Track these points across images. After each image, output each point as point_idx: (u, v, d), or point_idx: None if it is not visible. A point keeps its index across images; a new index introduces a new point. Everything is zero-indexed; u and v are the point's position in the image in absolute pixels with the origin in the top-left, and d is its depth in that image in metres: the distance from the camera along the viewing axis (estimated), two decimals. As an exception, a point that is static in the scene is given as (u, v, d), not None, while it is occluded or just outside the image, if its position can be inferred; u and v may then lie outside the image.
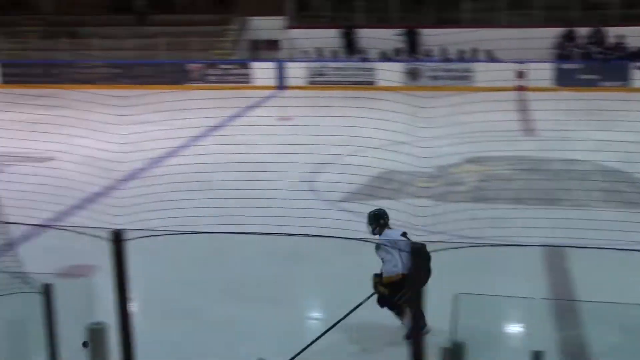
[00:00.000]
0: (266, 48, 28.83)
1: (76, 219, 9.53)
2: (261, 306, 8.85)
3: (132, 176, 13.62)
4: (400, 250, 7.67)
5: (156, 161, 14.43)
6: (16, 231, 6.36)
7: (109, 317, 5.36)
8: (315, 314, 9.39)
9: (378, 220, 8.14)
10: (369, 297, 7.71)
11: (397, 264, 7.70)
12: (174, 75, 27.32)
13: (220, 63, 27.78)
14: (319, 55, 27.17)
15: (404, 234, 8.09)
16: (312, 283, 10.11)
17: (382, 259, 7.80)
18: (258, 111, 21.48)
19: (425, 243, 6.67)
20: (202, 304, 9.41)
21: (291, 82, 26.56)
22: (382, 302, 8.00)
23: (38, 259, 6.57)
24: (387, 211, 8.10)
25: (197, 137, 16.25)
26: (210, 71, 27.55)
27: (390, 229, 8.22)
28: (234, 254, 10.05)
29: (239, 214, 7.98)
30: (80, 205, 10.03)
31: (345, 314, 7.03)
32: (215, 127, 17.70)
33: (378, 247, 7.76)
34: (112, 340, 5.31)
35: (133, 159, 12.24)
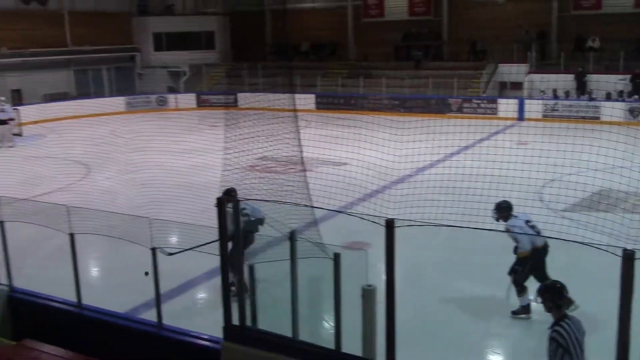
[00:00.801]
0: (511, 88, 27.84)
1: (360, 208, 9.81)
2: (488, 287, 8.56)
3: (402, 180, 13.79)
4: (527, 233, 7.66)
5: (420, 170, 14.48)
6: (319, 213, 6.68)
7: (378, 281, 5.45)
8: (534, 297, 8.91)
9: (509, 210, 7.98)
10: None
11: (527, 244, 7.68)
12: (438, 107, 27.26)
13: (474, 99, 27.25)
14: (554, 94, 25.67)
15: (528, 221, 7.90)
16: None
17: (515, 239, 7.74)
18: (500, 136, 20.74)
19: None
20: (447, 279, 9.29)
21: (529, 115, 25.35)
22: (515, 278, 7.84)
23: (331, 234, 6.84)
24: (604, 222, 7.50)
25: (452, 154, 16.06)
26: (466, 105, 27.11)
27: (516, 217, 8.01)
28: (474, 244, 9.81)
29: (479, 214, 7.76)
30: (363, 199, 10.32)
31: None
32: (467, 147, 17.38)
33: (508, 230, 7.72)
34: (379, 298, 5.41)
35: (404, 168, 12.37)
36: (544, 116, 25.24)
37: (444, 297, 8.78)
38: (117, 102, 31.44)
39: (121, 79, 33.99)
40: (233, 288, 6.40)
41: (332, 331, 5.55)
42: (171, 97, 32.74)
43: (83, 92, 32.11)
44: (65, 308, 7.45)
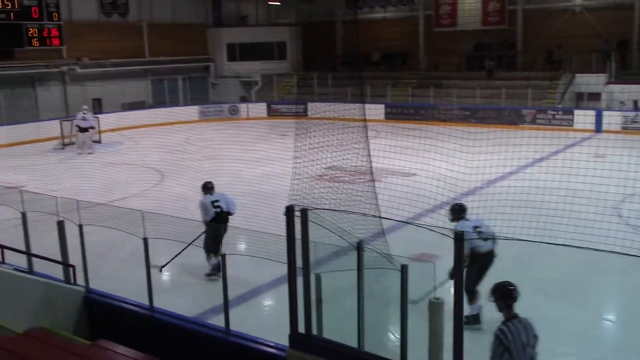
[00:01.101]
0: (588, 99, 26.92)
1: (428, 219, 9.69)
2: (562, 304, 8.27)
3: (472, 192, 13.54)
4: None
5: (491, 182, 14.18)
6: (386, 223, 6.64)
7: (446, 294, 5.37)
8: (610, 317, 8.55)
9: (460, 213, 8.13)
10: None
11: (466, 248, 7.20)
12: (511, 118, 26.66)
13: (549, 110, 26.49)
14: (635, 105, 24.65)
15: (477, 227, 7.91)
16: (609, 291, 9.22)
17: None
18: (576, 149, 20.05)
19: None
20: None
21: (607, 127, 24.38)
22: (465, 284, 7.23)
23: (399, 245, 6.79)
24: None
25: (525, 166, 15.66)
26: (540, 116, 26.39)
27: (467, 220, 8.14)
28: (547, 259, 9.52)
29: (553, 229, 7.52)
30: (432, 210, 10.19)
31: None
32: (541, 159, 16.91)
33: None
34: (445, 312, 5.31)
35: (474, 180, 12.15)
36: (623, 128, 24.26)
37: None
38: (191, 111, 32.31)
39: (195, 89, 34.93)
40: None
41: (398, 343, 5.50)
42: (243, 107, 33.38)
43: (159, 101, 33.20)
44: (137, 310, 7.68)
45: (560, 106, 26.69)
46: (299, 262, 6.08)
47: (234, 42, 35.40)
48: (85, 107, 24.58)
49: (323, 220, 6.04)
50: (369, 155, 7.22)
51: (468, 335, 6.50)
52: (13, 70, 27.23)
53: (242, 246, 8.47)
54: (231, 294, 7.04)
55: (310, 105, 30.25)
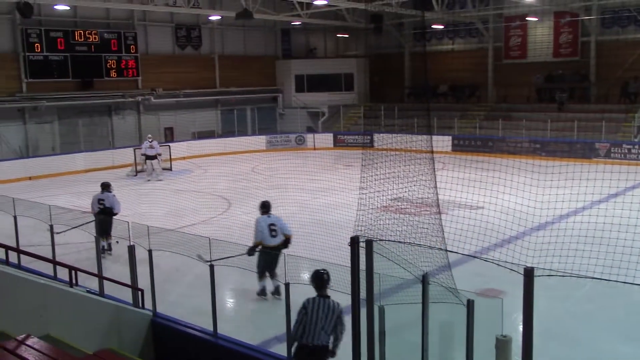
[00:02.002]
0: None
1: (496, 254, 9.46)
2: (636, 346, 7.87)
3: (542, 227, 13.15)
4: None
5: (563, 217, 13.75)
6: (452, 257, 6.52)
7: (513, 332, 5.20)
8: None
9: (265, 208, 10.56)
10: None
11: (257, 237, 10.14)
12: (583, 151, 25.87)
13: (624, 143, 25.57)
14: None
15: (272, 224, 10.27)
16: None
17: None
18: (655, 184, 19.24)
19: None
20: (590, 335, 8.68)
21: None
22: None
23: (465, 279, 6.64)
24: None
25: (599, 202, 15.11)
26: (615, 149, 25.50)
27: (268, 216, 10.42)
28: (621, 299, 9.11)
29: (629, 267, 7.20)
30: (500, 245, 9.95)
31: None
32: (615, 195, 16.29)
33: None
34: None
35: (544, 214, 11.81)
36: None
37: (585, 354, 8.19)
38: (259, 141, 32.89)
39: (263, 119, 35.59)
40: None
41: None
42: (309, 137, 33.74)
43: (228, 131, 33.98)
44: (201, 336, 7.77)
45: (636, 140, 25.74)
46: (362, 293, 6.03)
47: (302, 74, 35.99)
48: (149, 135, 25.39)
49: (388, 251, 5.99)
50: (435, 187, 7.14)
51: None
52: (93, 100, 28.52)
53: (305, 275, 8.49)
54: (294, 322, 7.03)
55: (376, 136, 30.28)
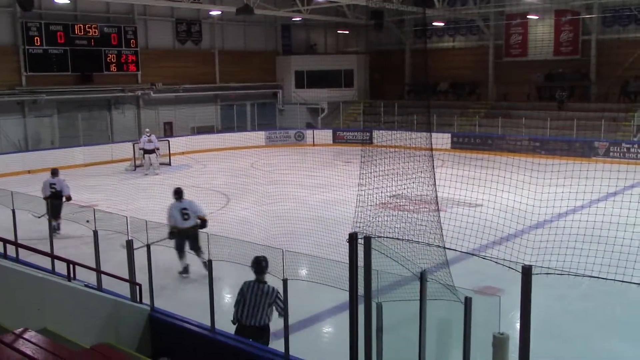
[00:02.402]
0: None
1: (494, 252, 9.47)
2: (635, 344, 7.88)
3: (540, 225, 13.16)
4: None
5: (561, 216, 13.76)
6: (450, 254, 6.52)
7: (511, 330, 5.20)
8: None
9: (178, 194, 11.89)
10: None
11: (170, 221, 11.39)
12: (582, 150, 25.88)
13: (624, 142, 25.59)
14: None
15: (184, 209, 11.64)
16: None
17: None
18: (654, 184, 19.26)
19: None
20: (587, 333, 8.69)
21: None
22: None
23: (463, 277, 6.65)
24: None
25: (597, 200, 15.12)
26: (614, 148, 25.52)
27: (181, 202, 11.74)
28: (619, 298, 9.12)
29: (626, 266, 7.20)
30: (498, 242, 9.95)
31: None
32: (614, 194, 16.30)
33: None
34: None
35: (542, 212, 11.81)
36: None
37: (582, 352, 8.20)
38: (258, 136, 32.89)
39: (263, 114, 35.59)
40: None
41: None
42: (309, 133, 33.72)
43: (227, 126, 33.95)
44: (199, 331, 7.77)
45: (636, 139, 25.75)
46: (360, 290, 6.03)
47: (302, 70, 35.96)
48: (147, 130, 25.49)
49: (386, 248, 5.99)
50: (434, 184, 7.13)
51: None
52: (92, 94, 28.49)
53: (303, 272, 8.50)
54: (291, 320, 7.04)
55: (375, 132, 30.27)
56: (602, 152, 25.66)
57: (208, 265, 7.65)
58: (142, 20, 30.60)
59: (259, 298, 7.33)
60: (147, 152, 24.60)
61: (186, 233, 11.23)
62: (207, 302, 7.67)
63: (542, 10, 30.10)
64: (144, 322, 8.23)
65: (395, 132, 26.16)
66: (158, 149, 24.98)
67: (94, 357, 6.29)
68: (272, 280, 6.87)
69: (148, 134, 24.83)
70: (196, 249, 11.28)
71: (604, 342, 8.56)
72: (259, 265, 7.38)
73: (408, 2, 28.66)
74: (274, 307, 7.38)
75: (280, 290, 6.86)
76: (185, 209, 11.68)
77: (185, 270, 11.55)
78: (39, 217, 11.58)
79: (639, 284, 5.76)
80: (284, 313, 6.91)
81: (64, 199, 14.84)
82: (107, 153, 27.32)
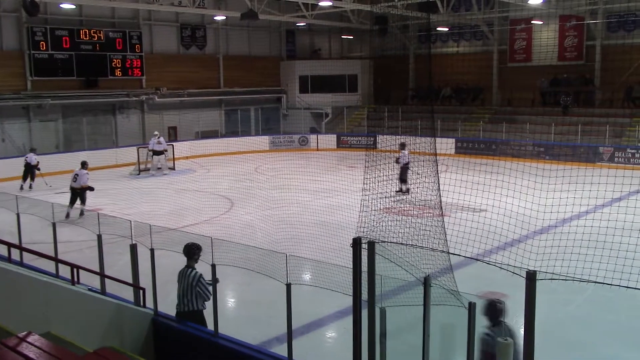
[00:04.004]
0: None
1: (498, 257, 9.45)
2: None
3: (545, 230, 13.12)
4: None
5: (565, 221, 13.72)
6: (454, 259, 6.50)
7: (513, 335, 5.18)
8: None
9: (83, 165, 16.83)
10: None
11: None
12: (587, 155, 25.81)
13: (629, 148, 25.52)
14: None
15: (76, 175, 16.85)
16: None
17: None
18: (658, 189, 19.15)
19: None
20: (591, 339, 8.64)
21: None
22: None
23: (467, 282, 6.62)
24: None
25: (602, 206, 15.07)
26: (618, 154, 25.45)
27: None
28: (624, 303, 9.07)
29: (632, 272, 7.18)
30: (502, 247, 9.93)
31: None
32: (619, 199, 16.24)
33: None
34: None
35: (547, 217, 11.78)
36: None
37: (587, 358, 8.16)
38: (262, 141, 32.91)
39: (267, 119, 35.62)
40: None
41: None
42: (313, 138, 33.74)
43: (231, 131, 34.00)
44: (202, 335, 7.77)
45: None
46: (364, 295, 6.01)
47: (306, 75, 36.00)
48: (156, 132, 26.03)
49: (390, 253, 5.98)
50: (438, 189, 7.12)
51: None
52: (97, 98, 28.58)
53: (307, 276, 8.49)
54: (295, 324, 7.03)
55: (379, 137, 30.27)
56: (606, 157, 25.59)
57: (212, 269, 7.64)
58: (147, 25, 30.69)
59: (189, 284, 7.74)
60: (156, 153, 25.15)
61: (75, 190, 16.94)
62: (210, 307, 7.67)
63: (546, 15, 30.07)
64: (148, 326, 8.23)
65: (400, 137, 26.17)
66: (166, 150, 25.49)
67: (98, 361, 6.28)
68: (275, 284, 6.84)
69: (157, 137, 25.38)
70: (83, 202, 17.04)
71: (608, 348, 8.52)
72: (188, 249, 7.78)
73: (412, 7, 28.67)
74: (200, 293, 7.73)
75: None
76: (76, 174, 17.19)
77: (67, 216, 15.89)
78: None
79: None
80: (206, 296, 7.62)
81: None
82: (111, 157, 27.36)
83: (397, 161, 17.88)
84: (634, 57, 28.40)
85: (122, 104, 29.90)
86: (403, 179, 18.12)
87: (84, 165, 17.61)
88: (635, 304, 9.14)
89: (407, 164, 18.11)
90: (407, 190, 17.56)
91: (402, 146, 18.47)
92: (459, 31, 34.40)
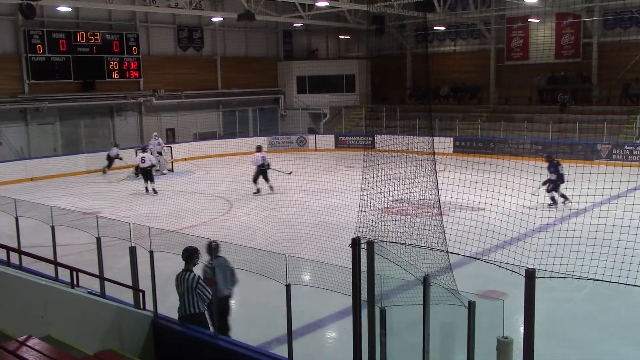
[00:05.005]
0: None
1: (497, 256, 9.46)
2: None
3: (543, 228, 13.14)
4: None
5: (564, 219, 13.75)
6: (453, 258, 6.51)
7: (515, 333, 5.19)
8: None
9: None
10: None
11: None
12: (585, 153, 25.83)
13: (626, 145, 25.56)
14: None
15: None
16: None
17: None
18: (657, 186, 19.20)
19: None
20: (591, 337, 8.66)
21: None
22: None
23: (466, 281, 6.63)
24: None
25: (600, 203, 15.10)
26: (616, 151, 25.49)
27: None
28: (623, 301, 9.09)
29: (630, 269, 7.19)
30: (501, 246, 9.94)
31: None
32: (617, 197, 16.27)
33: None
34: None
35: (545, 215, 11.81)
36: None
37: (586, 355, 8.17)
38: (260, 142, 32.83)
39: (265, 120, 35.61)
40: None
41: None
42: (311, 138, 33.74)
43: (229, 132, 33.98)
44: (202, 337, 7.76)
45: (638, 142, 25.72)
46: (363, 295, 6.02)
47: (304, 75, 36.00)
48: (155, 133, 26.48)
49: (389, 253, 5.98)
50: (437, 188, 7.13)
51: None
52: (94, 101, 28.56)
53: (306, 277, 8.49)
54: (295, 325, 7.03)
55: (377, 137, 30.25)
56: (604, 154, 25.63)
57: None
58: (143, 27, 30.67)
59: (187, 287, 7.78)
60: (159, 153, 25.77)
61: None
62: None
63: (543, 13, 30.09)
64: (148, 328, 8.22)
65: (398, 136, 26.16)
66: (164, 150, 26.25)
67: (98, 364, 6.29)
68: (275, 285, 6.85)
69: (156, 137, 25.89)
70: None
71: (608, 345, 8.53)
72: (187, 253, 7.85)
73: (409, 6, 28.67)
74: (201, 295, 7.80)
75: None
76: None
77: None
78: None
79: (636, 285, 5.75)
80: (207, 298, 7.64)
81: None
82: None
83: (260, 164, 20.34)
84: (631, 54, 28.42)
85: (119, 106, 29.88)
86: (255, 180, 20.37)
87: (145, 149, 22.29)
88: (633, 300, 9.16)
89: (262, 165, 20.32)
90: (258, 191, 20.15)
91: (259, 149, 20.94)
92: (456, 30, 34.43)
